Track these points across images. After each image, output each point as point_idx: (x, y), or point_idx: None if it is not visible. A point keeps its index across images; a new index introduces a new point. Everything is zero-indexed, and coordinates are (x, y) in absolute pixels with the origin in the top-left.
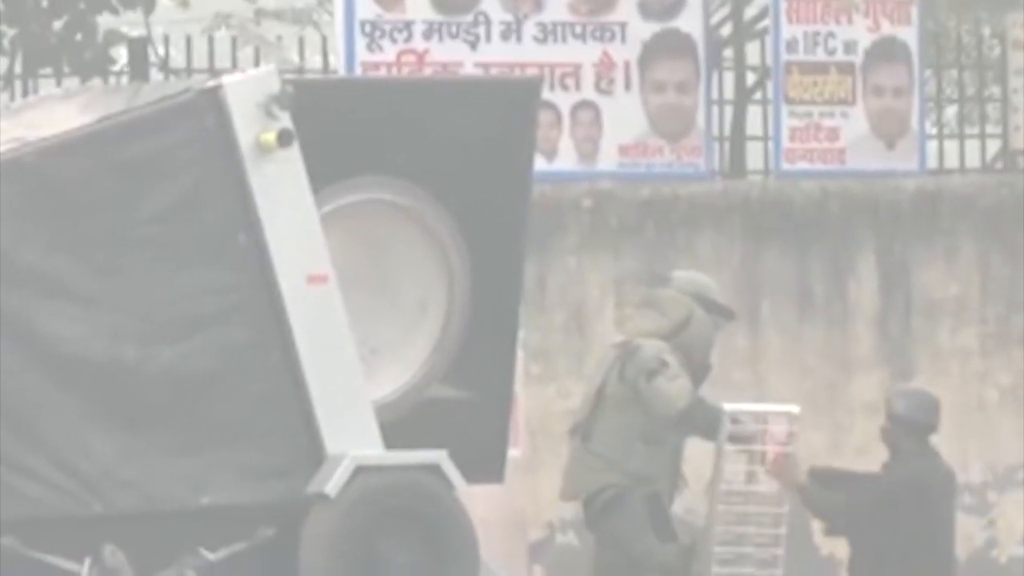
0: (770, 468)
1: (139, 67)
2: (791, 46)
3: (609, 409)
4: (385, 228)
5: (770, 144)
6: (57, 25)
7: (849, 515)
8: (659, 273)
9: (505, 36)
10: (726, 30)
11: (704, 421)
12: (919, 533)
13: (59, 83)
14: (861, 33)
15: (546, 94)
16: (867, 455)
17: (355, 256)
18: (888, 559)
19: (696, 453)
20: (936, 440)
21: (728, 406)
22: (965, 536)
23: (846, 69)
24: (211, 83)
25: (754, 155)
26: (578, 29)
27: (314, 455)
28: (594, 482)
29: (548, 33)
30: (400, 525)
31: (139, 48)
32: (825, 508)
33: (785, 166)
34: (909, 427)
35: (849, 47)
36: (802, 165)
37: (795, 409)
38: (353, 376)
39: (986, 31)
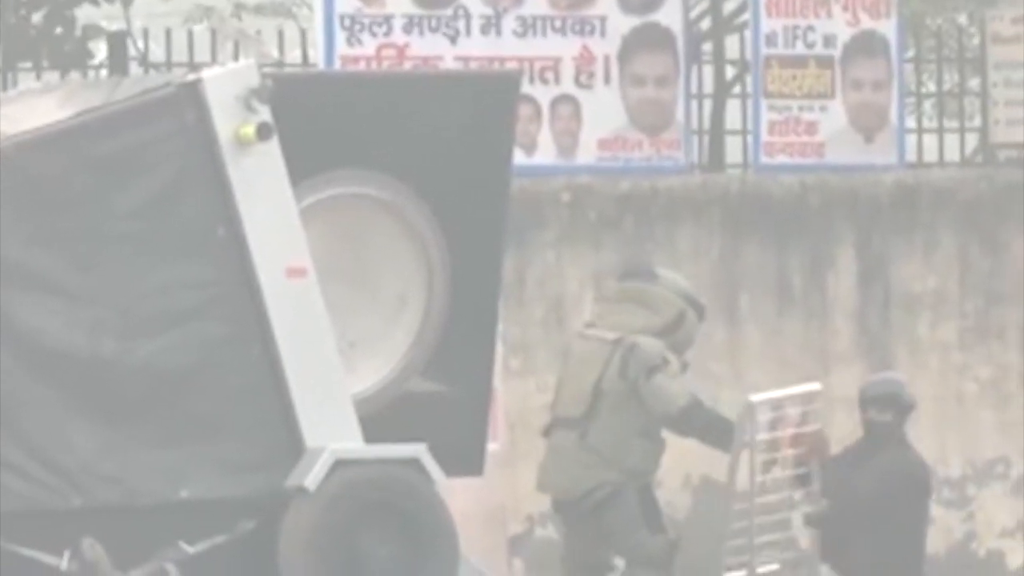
0: (803, 451)
1: (118, 61)
2: (770, 40)
3: (608, 406)
4: (364, 222)
5: (749, 138)
6: (36, 18)
7: (864, 501)
8: (644, 268)
9: (485, 30)
10: (705, 24)
11: (701, 422)
12: (920, 522)
13: (38, 77)
14: (840, 27)
15: (525, 88)
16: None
17: (334, 250)
18: (890, 549)
19: (682, 449)
20: None
21: (754, 398)
22: (944, 530)
23: (825, 63)
24: (191, 77)
25: (733, 149)
26: (558, 23)
27: (293, 449)
28: (590, 479)
29: (528, 27)
30: (379, 519)
31: (118, 42)
32: (837, 491)
33: (764, 160)
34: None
35: (828, 41)
36: (781, 159)
37: (815, 387)
38: (332, 370)
39: (963, 19)
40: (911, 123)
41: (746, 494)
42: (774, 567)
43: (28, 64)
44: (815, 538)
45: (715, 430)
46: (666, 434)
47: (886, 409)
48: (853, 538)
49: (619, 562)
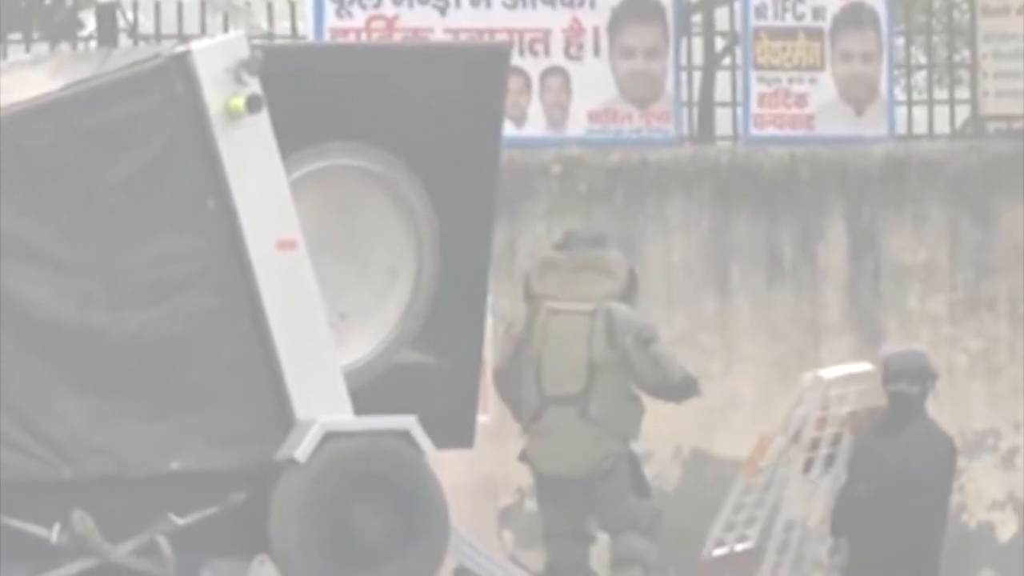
0: (840, 431)
1: (108, 32)
2: (760, 11)
3: (604, 377)
4: (355, 194)
5: (739, 110)
6: None
7: (896, 472)
8: (593, 234)
9: (474, 2)
10: None
11: (683, 390)
12: (949, 490)
13: (28, 48)
14: None
15: (515, 60)
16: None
17: (325, 222)
18: (919, 518)
19: (672, 421)
20: None
21: (825, 374)
22: None
23: (815, 35)
24: (180, 49)
25: (723, 121)
26: None
27: (284, 421)
28: (597, 452)
29: None
30: (370, 491)
31: (108, 13)
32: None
33: (754, 132)
34: None
35: (818, 13)
36: (771, 131)
37: (867, 367)
38: (323, 342)
39: None
40: (901, 95)
41: (764, 469)
42: (749, 545)
43: (18, 35)
44: (823, 514)
45: (684, 389)
46: (658, 406)
47: (916, 381)
48: (884, 509)
49: (600, 534)
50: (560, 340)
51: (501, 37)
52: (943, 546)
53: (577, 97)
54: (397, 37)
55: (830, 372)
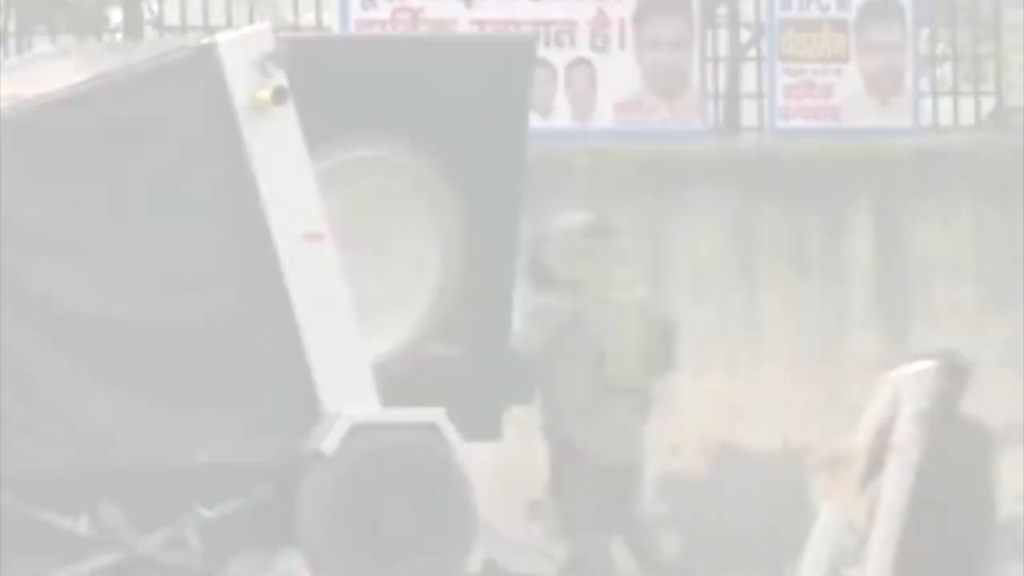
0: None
1: (133, 24)
2: (785, 3)
3: (648, 368)
4: (381, 186)
5: (765, 101)
6: None
7: (949, 469)
8: (609, 224)
9: None
10: None
11: None
12: (996, 482)
13: (54, 41)
14: None
15: (541, 52)
16: (862, 413)
17: (351, 213)
18: (973, 512)
19: (698, 415)
20: None
21: (916, 368)
22: None
23: (839, 26)
24: (206, 41)
25: (749, 112)
26: None
27: (311, 413)
28: (642, 440)
29: None
30: (397, 483)
31: (133, 5)
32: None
33: (780, 123)
34: None
35: (843, 4)
36: (797, 122)
37: (932, 364)
38: (350, 334)
39: None
40: (926, 87)
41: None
42: None
43: (43, 28)
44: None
45: None
46: (685, 400)
47: (961, 380)
48: (937, 505)
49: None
50: (618, 331)
51: (527, 29)
52: (992, 541)
53: (603, 89)
54: (423, 29)
55: (913, 368)
